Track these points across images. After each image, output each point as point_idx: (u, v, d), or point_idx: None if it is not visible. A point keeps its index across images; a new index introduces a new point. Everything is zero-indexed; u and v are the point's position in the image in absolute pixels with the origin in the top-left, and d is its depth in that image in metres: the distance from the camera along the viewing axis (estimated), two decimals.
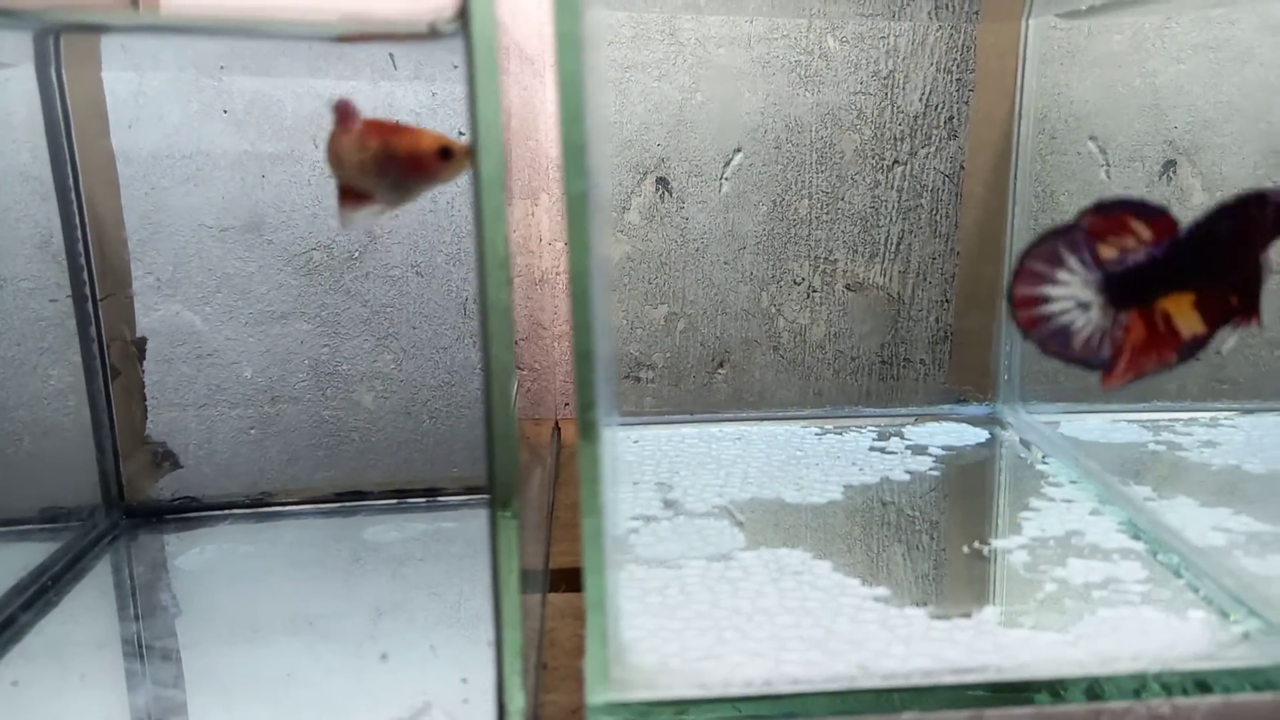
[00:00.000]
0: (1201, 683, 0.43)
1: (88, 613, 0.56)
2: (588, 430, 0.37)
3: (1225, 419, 0.77)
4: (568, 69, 0.34)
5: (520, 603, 0.39)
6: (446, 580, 0.59)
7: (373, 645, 0.51)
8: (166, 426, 0.73)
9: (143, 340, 0.70)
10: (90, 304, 0.64)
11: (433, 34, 0.41)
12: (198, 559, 0.62)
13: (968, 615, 0.48)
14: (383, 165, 0.41)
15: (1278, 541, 0.55)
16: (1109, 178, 0.81)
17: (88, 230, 0.64)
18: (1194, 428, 0.75)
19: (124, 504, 0.67)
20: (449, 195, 0.74)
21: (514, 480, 0.38)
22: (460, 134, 0.74)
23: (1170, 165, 0.81)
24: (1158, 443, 0.72)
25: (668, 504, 0.62)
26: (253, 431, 0.75)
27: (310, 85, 0.72)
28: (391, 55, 0.72)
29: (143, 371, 0.70)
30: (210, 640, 0.52)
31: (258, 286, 0.73)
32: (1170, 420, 0.77)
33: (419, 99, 0.73)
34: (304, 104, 0.71)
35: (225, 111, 0.71)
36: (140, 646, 0.52)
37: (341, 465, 0.76)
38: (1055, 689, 0.43)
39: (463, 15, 0.34)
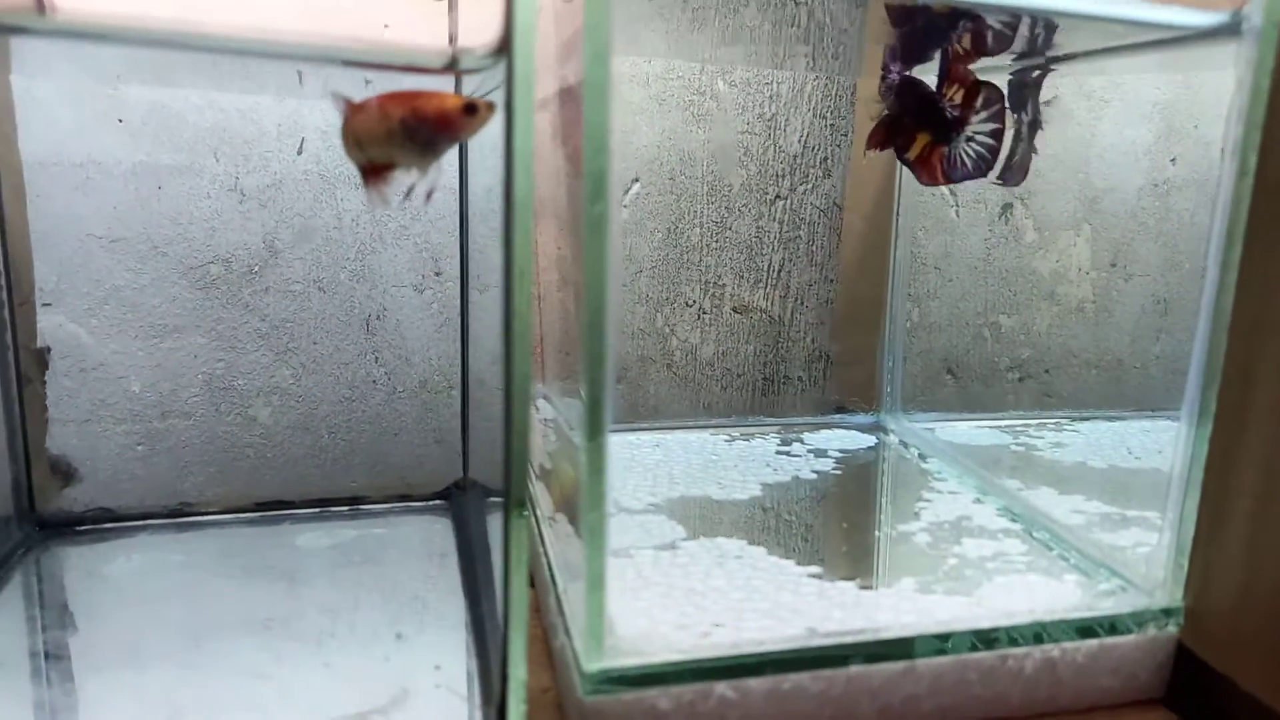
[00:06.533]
0: (1083, 628, 0.51)
1: None
2: (595, 428, 0.40)
3: (1067, 425, 0.89)
4: (596, 106, 0.38)
5: (526, 588, 0.41)
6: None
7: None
8: (53, 441, 0.69)
9: (45, 350, 0.67)
10: (7, 310, 0.61)
11: (449, 68, 0.43)
12: (118, 569, 0.60)
13: (890, 585, 0.54)
14: (411, 130, 0.43)
15: (1124, 520, 0.65)
16: (958, 216, 0.92)
17: (5, 235, 0.62)
18: (1044, 432, 0.86)
19: (35, 516, 0.63)
20: (354, 213, 0.75)
21: (526, 483, 0.41)
22: None
23: (1008, 208, 0.92)
24: (1017, 444, 0.83)
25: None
26: (140, 448, 0.73)
27: (212, 99, 0.72)
28: (300, 72, 0.72)
29: (44, 382, 0.67)
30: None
31: (149, 299, 0.71)
32: (1024, 425, 0.88)
33: (326, 117, 0.74)
34: (205, 117, 0.71)
35: (120, 121, 0.69)
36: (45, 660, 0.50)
37: (235, 481, 0.75)
38: (973, 639, 0.49)
39: (506, 49, 0.37)
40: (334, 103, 0.45)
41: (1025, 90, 0.68)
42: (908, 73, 0.71)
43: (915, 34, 0.65)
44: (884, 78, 0.72)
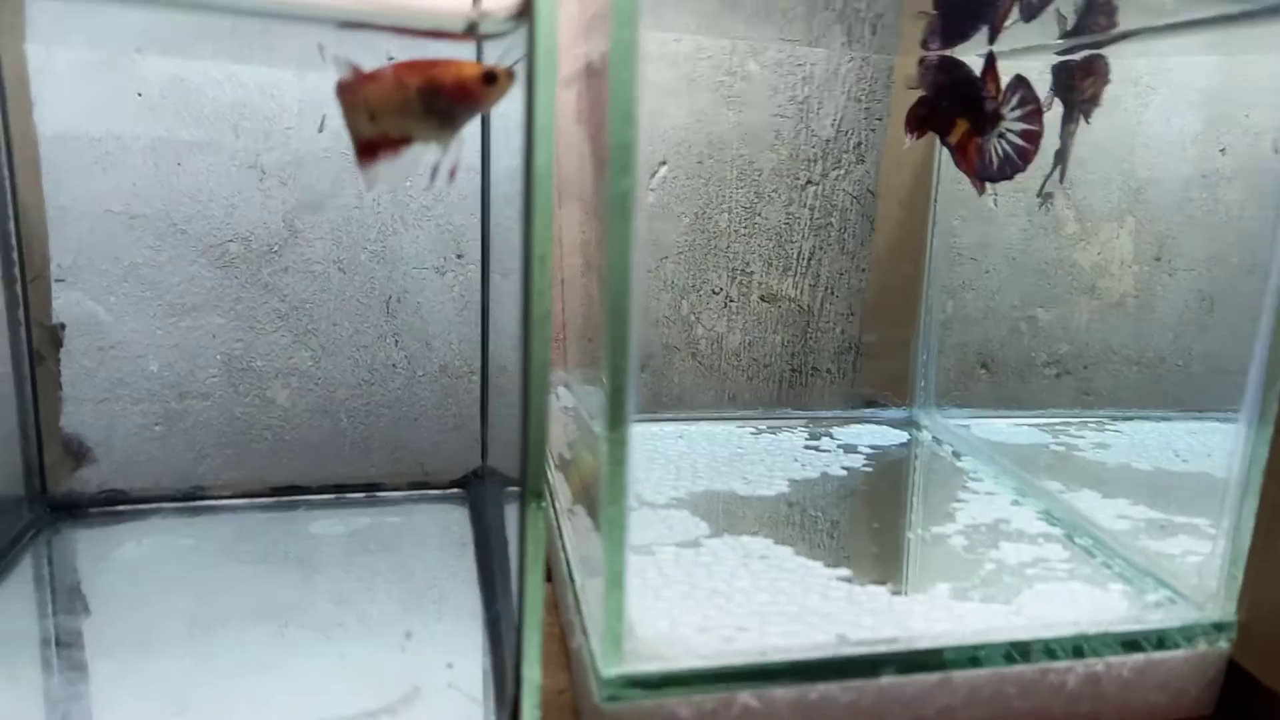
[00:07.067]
0: (1129, 642, 0.48)
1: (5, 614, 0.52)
2: (617, 417, 0.38)
3: (1109, 424, 0.86)
4: (621, 74, 0.36)
5: (542, 586, 0.40)
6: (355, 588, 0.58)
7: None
8: (67, 420, 0.68)
9: (59, 326, 0.65)
10: (20, 285, 0.60)
11: (469, 33, 0.41)
12: (129, 553, 0.59)
13: (923, 591, 0.52)
14: (428, 100, 0.41)
15: (1173, 526, 0.63)
16: (996, 206, 0.89)
17: (18, 210, 0.60)
18: (1085, 431, 0.83)
19: (46, 497, 0.62)
20: (375, 192, 0.74)
21: (544, 473, 0.39)
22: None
23: (1048, 197, 0.89)
24: (1057, 444, 0.80)
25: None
26: (157, 428, 0.71)
27: (232, 73, 0.70)
28: (321, 46, 0.70)
29: (58, 360, 0.66)
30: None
31: (168, 277, 0.70)
32: (1064, 424, 0.85)
33: None
34: (225, 92, 0.69)
35: (139, 95, 0.68)
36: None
37: (251, 465, 0.73)
38: (1009, 652, 0.47)
39: (527, 13, 0.35)
40: (335, 67, 0.42)
41: (1077, 73, 0.65)
42: (948, 52, 0.68)
43: (957, 8, 0.62)
44: (922, 59, 0.70)
